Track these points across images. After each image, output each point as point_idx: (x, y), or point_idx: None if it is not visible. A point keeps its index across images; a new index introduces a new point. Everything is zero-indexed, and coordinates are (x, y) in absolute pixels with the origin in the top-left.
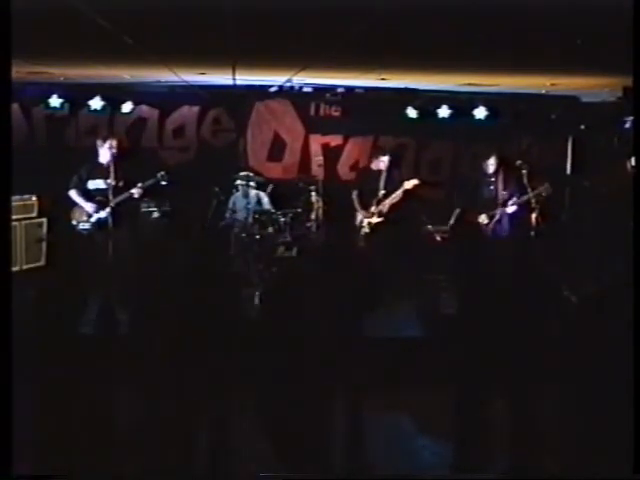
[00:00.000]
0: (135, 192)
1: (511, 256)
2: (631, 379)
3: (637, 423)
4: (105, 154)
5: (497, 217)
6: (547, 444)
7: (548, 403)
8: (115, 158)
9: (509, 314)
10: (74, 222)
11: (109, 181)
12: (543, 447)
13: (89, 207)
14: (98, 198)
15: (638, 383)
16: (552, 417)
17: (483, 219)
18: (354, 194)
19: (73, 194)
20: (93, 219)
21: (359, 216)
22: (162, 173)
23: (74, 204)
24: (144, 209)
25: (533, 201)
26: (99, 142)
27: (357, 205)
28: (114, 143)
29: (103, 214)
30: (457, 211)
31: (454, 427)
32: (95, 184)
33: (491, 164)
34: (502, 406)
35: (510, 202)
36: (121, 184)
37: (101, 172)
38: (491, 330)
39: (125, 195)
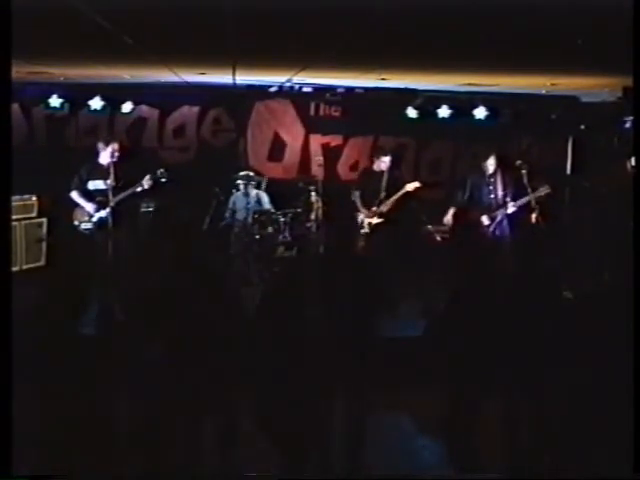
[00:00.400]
0: (145, 184)
1: (512, 257)
2: (631, 379)
3: (637, 423)
4: (106, 156)
5: (498, 218)
6: (547, 444)
7: (548, 403)
8: (116, 159)
9: (510, 314)
10: (76, 223)
11: (109, 181)
12: (543, 447)
13: (90, 207)
14: (99, 198)
15: (638, 383)
16: (552, 417)
17: (484, 220)
18: (356, 194)
19: (74, 195)
20: (94, 219)
21: (360, 216)
22: (162, 170)
23: (75, 205)
24: (144, 209)
25: (533, 202)
26: (100, 145)
27: (359, 205)
28: (116, 146)
29: (104, 213)
30: (452, 210)
31: (454, 427)
32: (95, 184)
33: (490, 164)
34: (502, 406)
35: (511, 204)
36: (121, 184)
37: (101, 172)
38: (491, 330)
39: (130, 191)
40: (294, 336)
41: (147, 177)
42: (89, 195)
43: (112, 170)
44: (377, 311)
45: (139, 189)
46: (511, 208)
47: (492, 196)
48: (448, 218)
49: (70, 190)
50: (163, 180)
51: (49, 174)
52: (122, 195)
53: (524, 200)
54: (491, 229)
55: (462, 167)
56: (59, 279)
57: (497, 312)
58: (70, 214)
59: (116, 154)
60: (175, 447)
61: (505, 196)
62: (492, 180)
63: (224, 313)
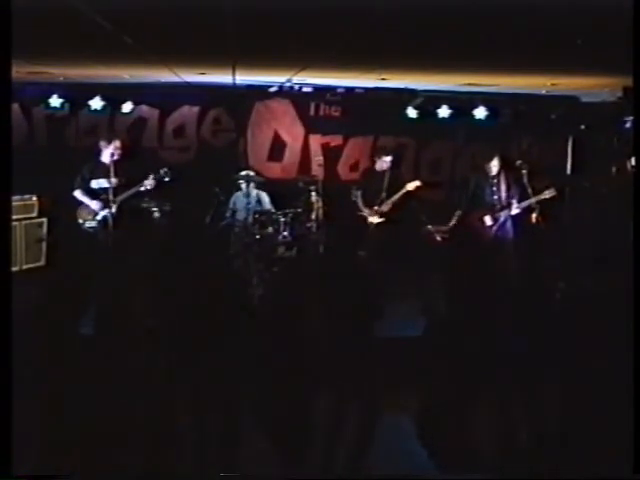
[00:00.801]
0: (147, 184)
1: (515, 257)
2: (631, 379)
3: (637, 423)
4: (108, 154)
5: (502, 219)
6: (547, 444)
7: (549, 403)
8: (118, 158)
9: (512, 314)
10: (80, 221)
11: (112, 180)
12: (543, 447)
13: (95, 205)
14: (102, 196)
15: (638, 383)
16: (552, 417)
17: (487, 221)
18: (357, 194)
19: (78, 194)
20: (99, 217)
21: (362, 216)
22: (165, 169)
23: (79, 204)
24: (144, 209)
25: (532, 203)
26: (103, 143)
27: (360, 205)
28: (118, 144)
29: (109, 212)
30: (458, 212)
31: (453, 427)
32: (99, 183)
33: (494, 165)
34: (503, 406)
35: (514, 205)
36: (124, 182)
37: (104, 170)
38: (492, 330)
39: (133, 190)
40: (294, 336)
41: (151, 177)
42: (92, 194)
43: (115, 168)
44: (378, 311)
45: (142, 188)
46: (515, 210)
47: (495, 197)
48: (453, 223)
49: (73, 189)
50: (166, 179)
51: (49, 174)
52: (126, 194)
53: (528, 202)
54: (494, 230)
55: (462, 167)
56: (60, 279)
57: (500, 312)
58: (70, 214)
59: (118, 151)
60: (176, 447)
61: (508, 197)
62: (495, 181)
63: (225, 312)
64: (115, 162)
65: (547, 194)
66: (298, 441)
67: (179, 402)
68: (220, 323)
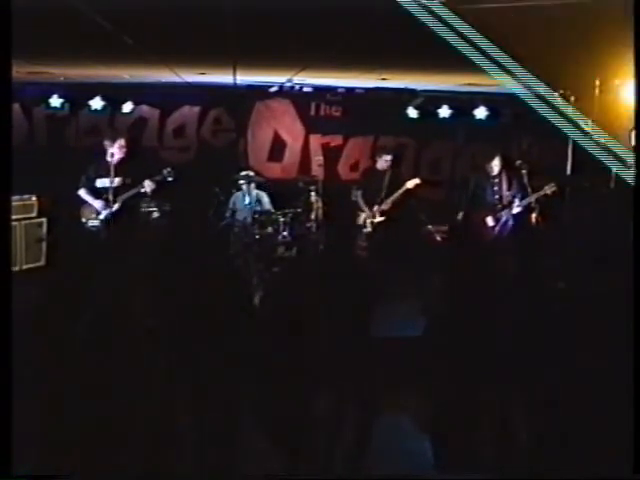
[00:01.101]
0: (147, 186)
1: (514, 257)
2: (631, 379)
3: (637, 423)
4: (112, 154)
5: (503, 219)
6: (547, 444)
7: (548, 403)
8: (122, 157)
9: (511, 314)
10: (83, 220)
11: (117, 179)
12: (543, 447)
13: (98, 204)
14: (105, 196)
15: (638, 383)
16: (552, 416)
17: (489, 221)
18: (357, 194)
19: (82, 193)
20: (102, 216)
21: (362, 215)
22: (168, 169)
23: (82, 203)
24: (145, 209)
25: (533, 201)
26: (107, 142)
27: (361, 204)
28: (122, 142)
29: (112, 211)
30: (461, 213)
31: (453, 427)
32: (103, 182)
33: (495, 165)
34: (503, 406)
35: (516, 204)
36: (128, 181)
37: (108, 170)
38: (492, 330)
39: (134, 190)
40: (294, 336)
41: (153, 178)
42: (96, 193)
43: (120, 167)
44: (377, 310)
45: (143, 190)
46: (516, 208)
47: (496, 197)
48: (457, 222)
49: (78, 188)
50: (170, 179)
51: (49, 174)
52: (127, 194)
53: (530, 199)
54: (494, 230)
55: (462, 167)
56: (60, 279)
57: (499, 312)
58: (70, 213)
59: (124, 149)
60: (176, 447)
61: (510, 196)
62: (496, 181)
63: (224, 312)
64: (118, 161)
65: (547, 189)
66: (298, 441)
67: (179, 402)
68: (220, 323)
